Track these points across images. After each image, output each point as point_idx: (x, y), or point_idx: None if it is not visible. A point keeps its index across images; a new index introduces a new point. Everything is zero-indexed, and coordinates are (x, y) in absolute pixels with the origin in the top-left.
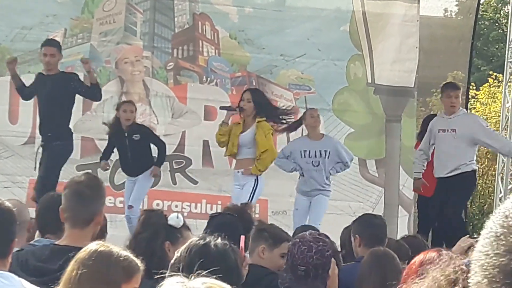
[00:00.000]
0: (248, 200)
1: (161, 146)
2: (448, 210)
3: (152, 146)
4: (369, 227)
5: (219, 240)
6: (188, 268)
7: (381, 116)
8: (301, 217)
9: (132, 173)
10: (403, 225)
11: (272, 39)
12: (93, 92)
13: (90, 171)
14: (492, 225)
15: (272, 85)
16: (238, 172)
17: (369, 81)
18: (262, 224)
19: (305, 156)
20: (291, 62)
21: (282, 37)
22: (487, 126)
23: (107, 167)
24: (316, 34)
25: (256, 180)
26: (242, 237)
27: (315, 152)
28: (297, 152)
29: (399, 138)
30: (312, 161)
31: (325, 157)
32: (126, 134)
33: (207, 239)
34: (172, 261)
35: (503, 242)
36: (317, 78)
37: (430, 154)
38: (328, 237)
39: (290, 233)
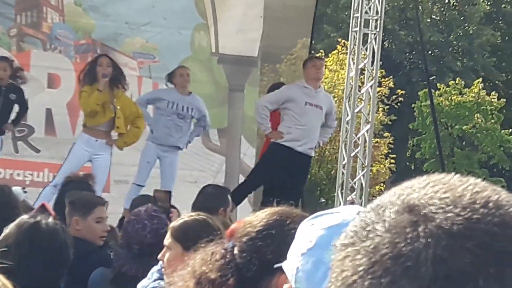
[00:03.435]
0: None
1: (25, 109)
2: (294, 193)
3: None
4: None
5: (50, 219)
6: (17, 246)
7: (224, 86)
8: (147, 170)
9: None
10: None
11: (118, 7)
12: None
13: None
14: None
15: (116, 53)
16: (97, 140)
17: (213, 50)
18: (72, 196)
19: (172, 107)
20: (136, 30)
21: (127, 4)
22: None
23: None
24: (161, 2)
25: (111, 154)
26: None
27: (183, 106)
28: (164, 102)
29: (241, 107)
30: (178, 113)
31: (190, 114)
32: (1, 90)
33: (38, 218)
34: (1, 237)
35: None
36: (161, 46)
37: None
38: (164, 212)
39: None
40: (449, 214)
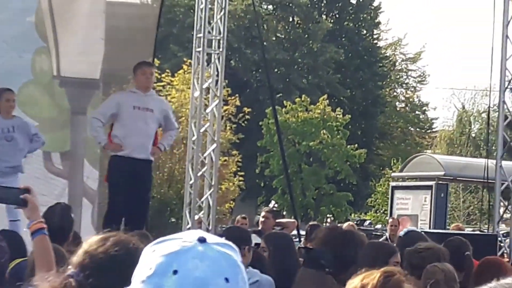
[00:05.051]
0: None
1: None
2: (141, 204)
3: None
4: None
5: None
6: None
7: (66, 109)
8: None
9: None
10: (86, 217)
11: None
12: None
13: None
14: None
15: None
16: None
17: (55, 73)
18: None
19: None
20: None
21: None
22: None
23: None
24: (1, 26)
25: None
26: None
27: (8, 128)
28: None
29: (84, 130)
30: (5, 137)
31: (17, 133)
32: None
33: None
34: None
35: None
36: (2, 71)
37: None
38: (4, 241)
39: None
40: None
